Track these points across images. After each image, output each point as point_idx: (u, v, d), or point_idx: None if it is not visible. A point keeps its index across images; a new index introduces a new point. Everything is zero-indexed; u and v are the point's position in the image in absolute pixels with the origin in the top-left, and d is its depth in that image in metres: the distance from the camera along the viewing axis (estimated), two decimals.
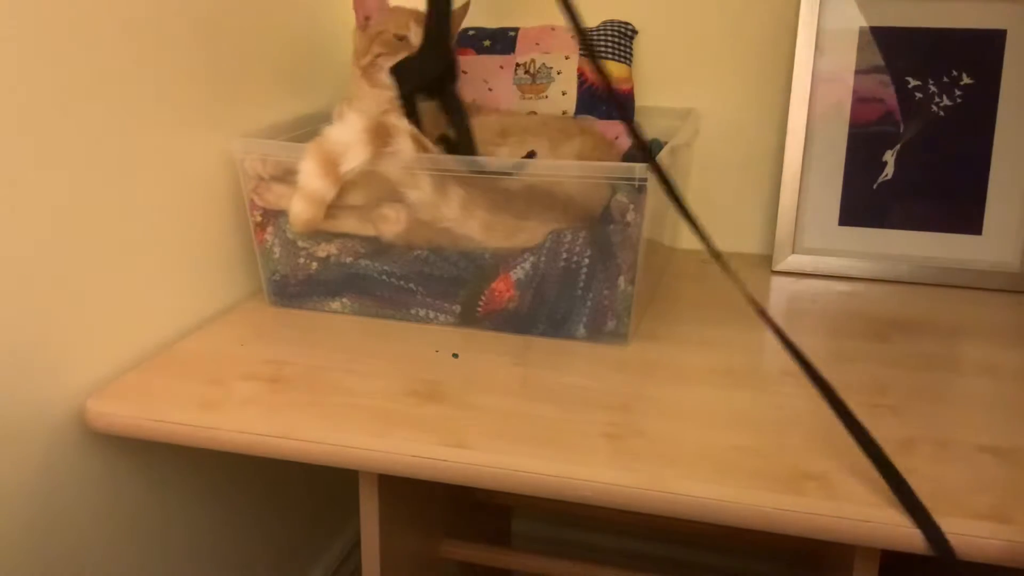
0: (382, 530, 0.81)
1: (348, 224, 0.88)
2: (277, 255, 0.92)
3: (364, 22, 0.96)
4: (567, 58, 1.04)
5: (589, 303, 0.84)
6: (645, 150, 0.71)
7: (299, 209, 0.81)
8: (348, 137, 0.79)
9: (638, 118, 1.07)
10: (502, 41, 1.06)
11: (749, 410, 0.71)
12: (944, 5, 1.00)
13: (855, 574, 0.71)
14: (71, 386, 0.74)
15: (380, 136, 0.80)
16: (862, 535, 0.58)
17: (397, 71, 0.90)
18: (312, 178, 0.80)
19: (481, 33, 1.08)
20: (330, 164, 0.79)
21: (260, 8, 0.98)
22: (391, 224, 0.86)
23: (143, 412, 0.72)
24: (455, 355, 0.82)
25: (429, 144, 0.83)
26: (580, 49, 0.98)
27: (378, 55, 0.93)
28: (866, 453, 0.61)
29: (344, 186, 0.85)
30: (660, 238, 1.01)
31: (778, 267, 1.06)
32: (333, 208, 0.87)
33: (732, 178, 1.14)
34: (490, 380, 0.77)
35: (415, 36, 0.92)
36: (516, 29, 1.06)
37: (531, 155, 0.88)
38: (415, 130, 0.83)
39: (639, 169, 0.78)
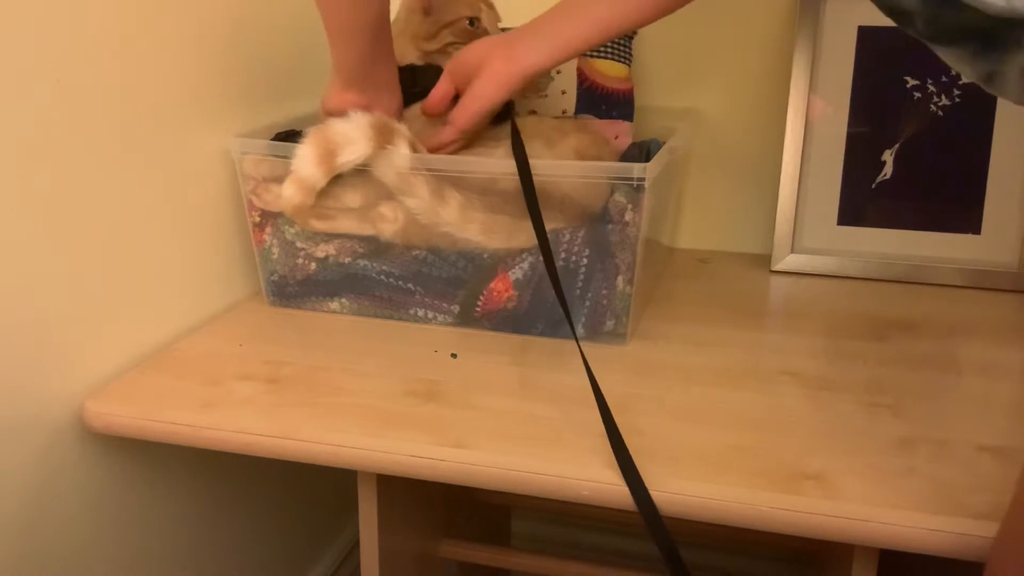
0: (381, 530, 0.81)
1: (346, 224, 0.87)
2: (276, 255, 0.92)
3: (427, 4, 0.91)
4: None
5: (587, 303, 0.84)
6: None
7: (290, 193, 0.81)
8: (352, 131, 0.79)
9: (638, 117, 1.07)
10: None
11: (747, 410, 0.71)
12: None
13: (854, 574, 0.71)
14: (69, 386, 0.74)
15: (383, 135, 0.80)
16: (860, 535, 0.58)
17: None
18: (306, 164, 0.79)
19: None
20: (327, 153, 0.79)
21: (260, 7, 0.98)
22: (389, 223, 0.86)
23: (141, 412, 0.72)
24: (454, 355, 0.82)
25: (425, 151, 0.83)
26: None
27: (449, 44, 0.90)
28: (601, 414, 0.65)
29: (342, 188, 0.85)
30: (659, 238, 1.01)
31: (777, 267, 1.06)
32: (331, 209, 0.87)
33: (731, 177, 1.14)
34: (488, 380, 0.77)
35: (487, 19, 0.91)
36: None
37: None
38: (413, 136, 0.82)
39: (637, 169, 0.78)
